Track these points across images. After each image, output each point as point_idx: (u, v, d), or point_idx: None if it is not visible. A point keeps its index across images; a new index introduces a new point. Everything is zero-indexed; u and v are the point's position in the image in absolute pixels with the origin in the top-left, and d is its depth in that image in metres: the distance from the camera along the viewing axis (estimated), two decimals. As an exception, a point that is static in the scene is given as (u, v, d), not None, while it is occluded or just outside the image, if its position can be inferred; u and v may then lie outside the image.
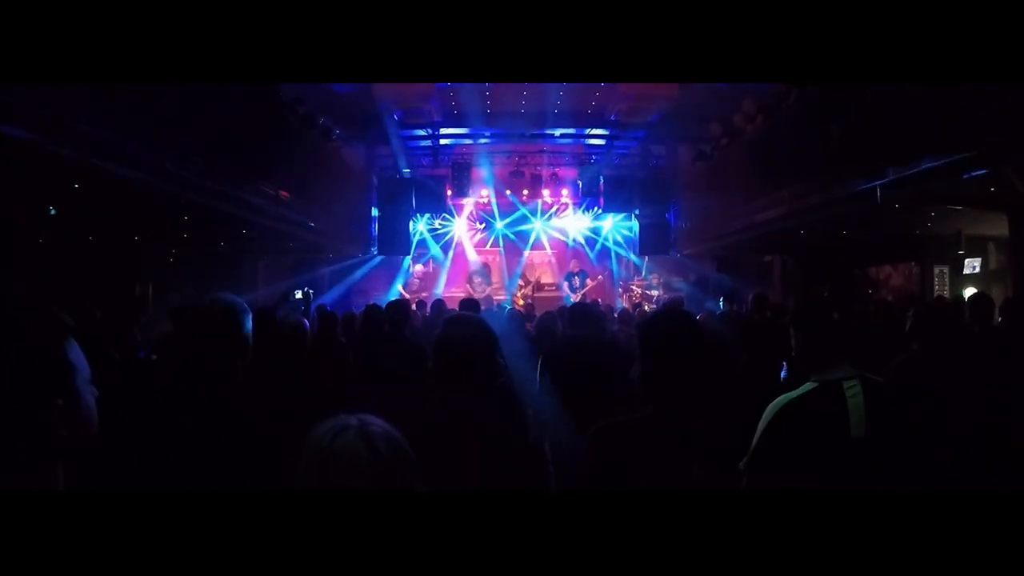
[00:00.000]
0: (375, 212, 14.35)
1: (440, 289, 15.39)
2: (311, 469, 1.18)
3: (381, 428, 1.22)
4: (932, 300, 8.06)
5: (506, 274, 16.49)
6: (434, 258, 16.39)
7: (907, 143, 6.19)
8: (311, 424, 1.25)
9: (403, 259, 15.33)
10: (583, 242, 16.68)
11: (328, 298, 12.93)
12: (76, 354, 1.25)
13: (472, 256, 16.41)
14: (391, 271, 15.43)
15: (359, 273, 14.98)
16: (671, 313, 2.41)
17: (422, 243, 16.06)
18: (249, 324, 2.25)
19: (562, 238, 16.79)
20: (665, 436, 2.05)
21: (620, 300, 15.03)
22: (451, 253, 16.57)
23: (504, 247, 16.92)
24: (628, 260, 16.48)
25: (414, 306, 10.29)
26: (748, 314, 6.21)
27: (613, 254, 16.65)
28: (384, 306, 5.25)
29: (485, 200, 15.96)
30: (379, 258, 15.02)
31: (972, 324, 4.70)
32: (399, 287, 14.35)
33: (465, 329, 2.39)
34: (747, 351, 5.59)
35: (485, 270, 16.13)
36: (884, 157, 6.57)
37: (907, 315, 3.80)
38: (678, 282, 14.82)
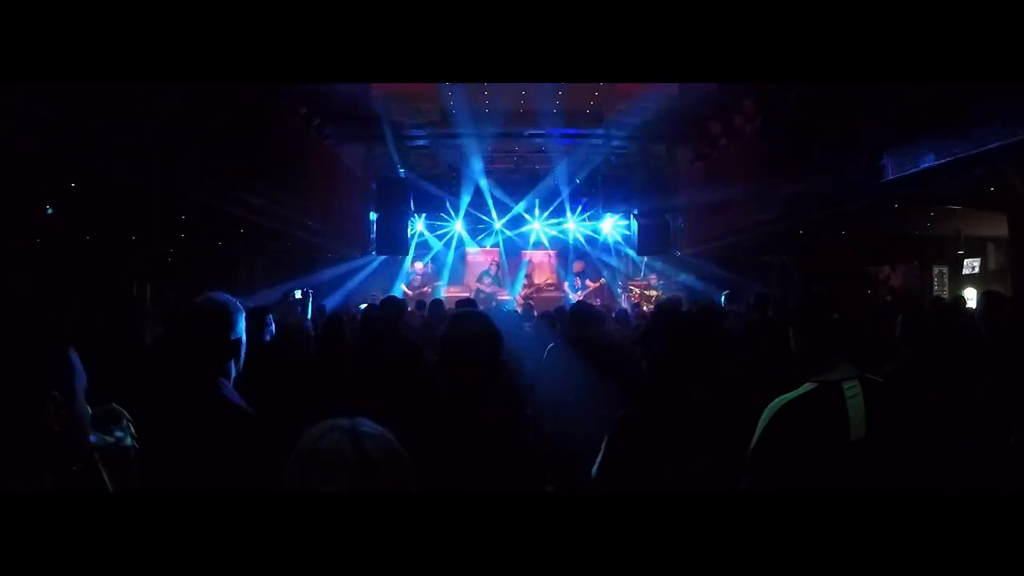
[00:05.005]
0: (373, 213, 14.33)
1: (444, 285, 15.35)
2: (297, 466, 1.19)
3: (373, 431, 1.21)
4: (920, 305, 8.01)
5: (508, 274, 16.48)
6: (435, 257, 16.36)
7: (906, 141, 6.20)
8: (309, 425, 1.25)
9: (403, 259, 15.30)
10: (583, 242, 16.64)
11: (328, 299, 12.91)
12: (76, 361, 1.30)
13: (478, 257, 16.39)
14: (391, 271, 15.41)
15: (359, 274, 14.97)
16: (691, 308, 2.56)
17: (422, 243, 16.04)
18: (242, 324, 2.24)
19: (561, 237, 16.78)
20: (682, 426, 2.18)
21: (620, 300, 15.02)
22: (452, 253, 16.55)
23: (504, 247, 16.90)
24: (629, 260, 16.45)
25: (415, 305, 10.29)
26: (748, 313, 6.20)
27: (614, 254, 16.62)
28: (379, 304, 5.23)
29: (483, 200, 15.95)
30: (378, 259, 15.00)
31: (981, 324, 4.65)
32: (402, 286, 14.33)
33: (470, 326, 2.40)
34: (748, 350, 5.59)
35: (495, 271, 16.09)
36: (882, 153, 6.57)
37: (895, 322, 3.74)
38: (684, 277, 14.58)
